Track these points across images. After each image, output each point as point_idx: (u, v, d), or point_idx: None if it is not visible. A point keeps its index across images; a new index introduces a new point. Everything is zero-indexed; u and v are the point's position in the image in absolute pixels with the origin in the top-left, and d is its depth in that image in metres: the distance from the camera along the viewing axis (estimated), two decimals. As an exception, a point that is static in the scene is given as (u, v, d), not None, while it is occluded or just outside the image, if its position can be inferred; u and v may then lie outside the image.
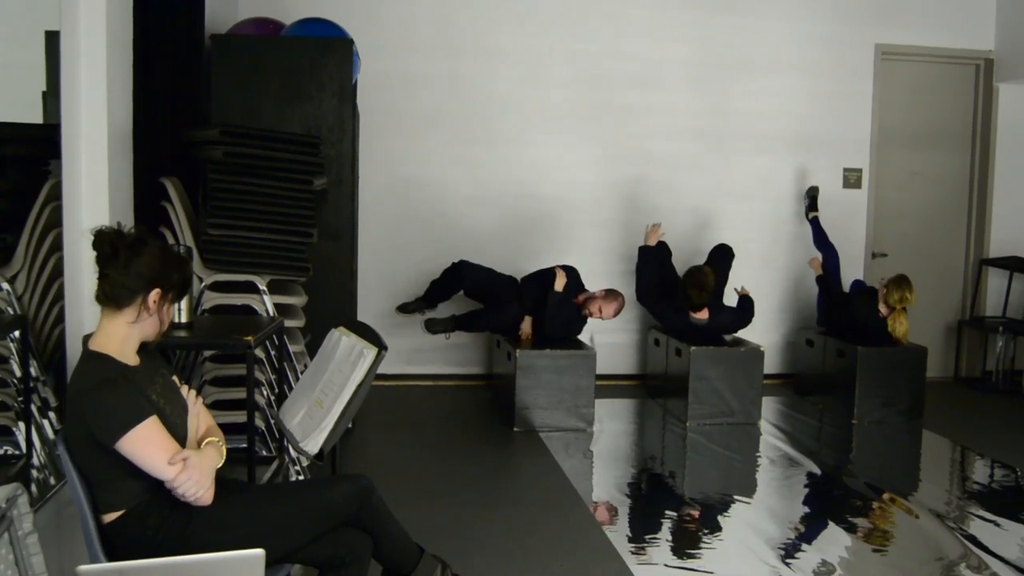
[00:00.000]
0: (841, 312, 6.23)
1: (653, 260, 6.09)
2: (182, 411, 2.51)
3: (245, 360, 3.43)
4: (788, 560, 3.74)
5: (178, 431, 2.43)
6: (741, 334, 6.13)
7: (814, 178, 6.96)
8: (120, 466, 2.29)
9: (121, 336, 2.38)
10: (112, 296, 2.36)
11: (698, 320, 5.85)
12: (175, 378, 2.59)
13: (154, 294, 2.36)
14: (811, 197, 6.76)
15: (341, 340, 2.70)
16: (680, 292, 5.82)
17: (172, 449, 2.31)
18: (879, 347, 6.00)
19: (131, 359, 2.42)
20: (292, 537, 2.47)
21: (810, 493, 4.76)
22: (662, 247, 6.21)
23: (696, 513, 4.37)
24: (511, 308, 5.83)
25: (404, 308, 6.07)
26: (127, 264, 2.34)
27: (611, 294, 5.83)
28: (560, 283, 5.78)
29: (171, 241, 4.21)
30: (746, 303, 5.96)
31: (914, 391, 6.00)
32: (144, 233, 2.43)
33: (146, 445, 2.26)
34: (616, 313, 5.85)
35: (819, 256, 6.51)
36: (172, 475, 2.28)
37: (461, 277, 5.87)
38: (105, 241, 2.35)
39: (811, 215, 6.70)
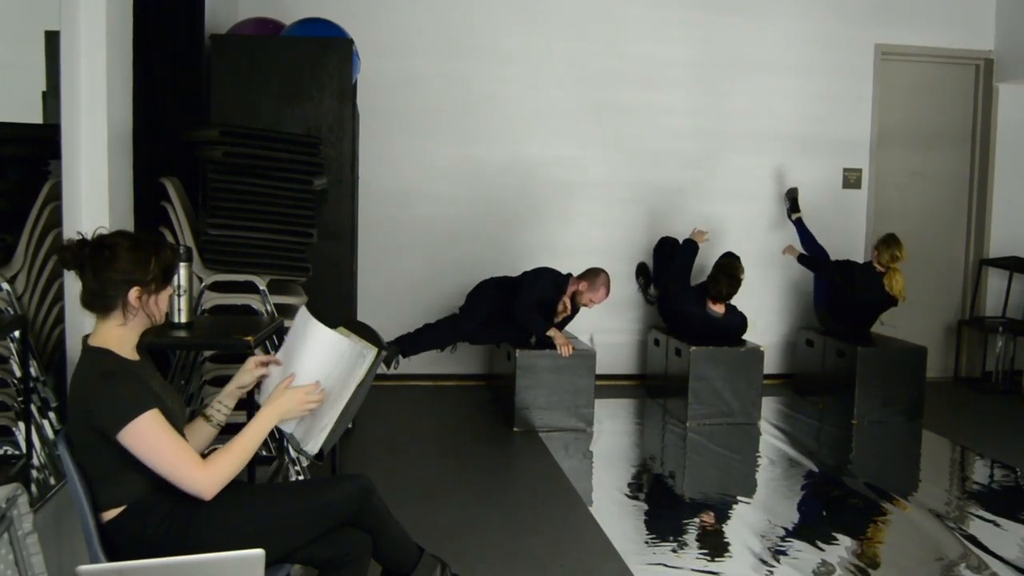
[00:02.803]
0: (843, 285, 6.22)
1: (694, 255, 6.25)
2: (181, 409, 2.53)
3: (245, 360, 3.43)
4: (788, 560, 3.74)
5: (177, 426, 2.43)
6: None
7: (815, 178, 6.97)
8: (120, 461, 2.30)
9: (116, 336, 2.38)
10: (92, 304, 2.37)
11: (714, 312, 5.87)
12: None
13: (133, 294, 2.34)
14: (791, 199, 6.75)
15: (316, 326, 2.63)
16: (710, 277, 5.87)
17: (176, 443, 2.29)
18: (879, 347, 6.03)
19: (131, 355, 2.42)
20: (292, 537, 2.47)
21: (810, 493, 4.76)
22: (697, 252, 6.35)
23: (696, 513, 4.37)
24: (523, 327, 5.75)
25: (387, 359, 5.85)
26: (96, 274, 2.33)
27: (592, 280, 5.75)
28: (561, 315, 5.69)
29: (171, 241, 4.21)
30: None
31: (914, 391, 6.00)
32: (107, 237, 2.38)
33: (147, 437, 2.25)
34: (607, 292, 5.82)
35: (795, 246, 6.58)
36: (190, 480, 2.28)
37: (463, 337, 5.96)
38: (69, 258, 2.35)
39: (794, 216, 6.70)
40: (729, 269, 5.84)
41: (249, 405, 2.84)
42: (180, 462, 2.29)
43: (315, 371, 2.69)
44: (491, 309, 5.80)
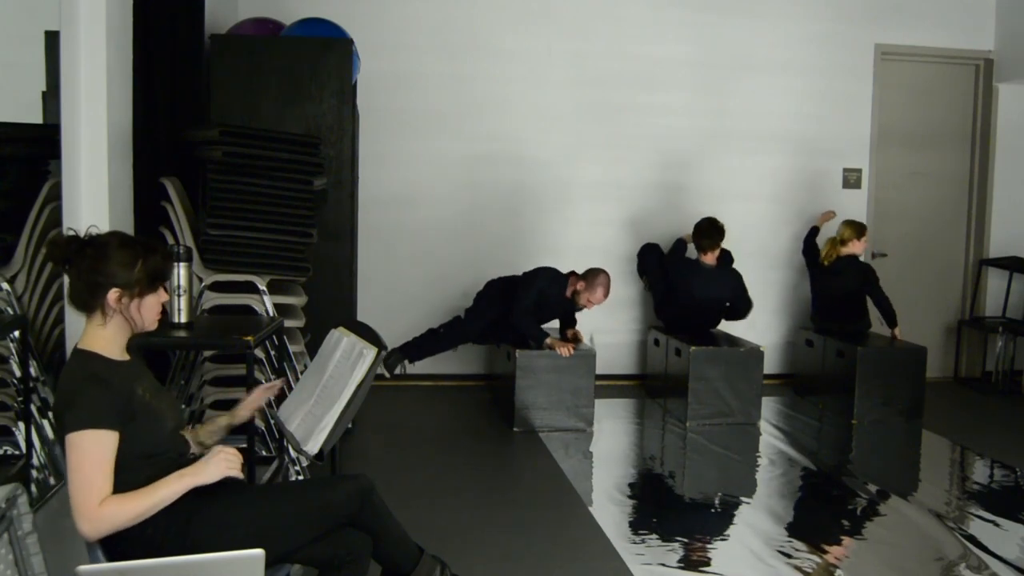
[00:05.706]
0: (813, 273, 6.49)
1: (685, 247, 6.52)
2: (173, 407, 2.50)
3: (245, 360, 3.43)
4: (788, 560, 3.74)
5: (164, 424, 2.40)
6: (740, 334, 6.14)
7: (815, 178, 6.99)
8: (118, 462, 2.29)
9: (104, 337, 2.36)
10: (76, 302, 2.35)
11: (707, 264, 6.06)
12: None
13: (112, 296, 2.31)
14: (822, 218, 6.78)
15: (341, 340, 2.70)
16: (693, 230, 6.17)
17: (98, 473, 2.18)
18: (879, 347, 6.04)
19: (120, 355, 2.40)
20: (292, 537, 2.47)
21: (810, 493, 4.76)
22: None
23: (696, 513, 4.37)
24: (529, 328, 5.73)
25: (391, 365, 6.03)
26: (80, 272, 2.31)
27: (591, 280, 5.72)
28: (566, 351, 5.60)
29: (171, 241, 4.21)
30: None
31: (914, 391, 6.00)
32: (94, 236, 2.35)
33: (79, 451, 2.18)
34: (606, 293, 5.78)
35: (832, 212, 6.72)
36: (82, 508, 2.16)
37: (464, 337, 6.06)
38: (58, 254, 2.33)
39: (812, 226, 6.72)
40: (705, 218, 6.13)
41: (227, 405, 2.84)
42: (86, 490, 2.17)
43: (316, 368, 2.71)
44: (497, 312, 5.80)
